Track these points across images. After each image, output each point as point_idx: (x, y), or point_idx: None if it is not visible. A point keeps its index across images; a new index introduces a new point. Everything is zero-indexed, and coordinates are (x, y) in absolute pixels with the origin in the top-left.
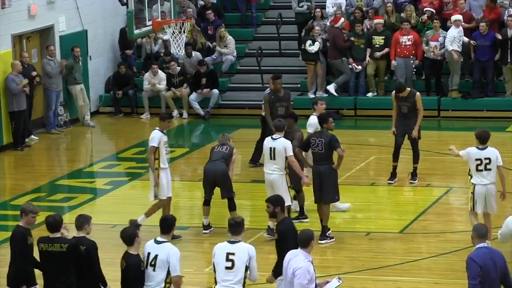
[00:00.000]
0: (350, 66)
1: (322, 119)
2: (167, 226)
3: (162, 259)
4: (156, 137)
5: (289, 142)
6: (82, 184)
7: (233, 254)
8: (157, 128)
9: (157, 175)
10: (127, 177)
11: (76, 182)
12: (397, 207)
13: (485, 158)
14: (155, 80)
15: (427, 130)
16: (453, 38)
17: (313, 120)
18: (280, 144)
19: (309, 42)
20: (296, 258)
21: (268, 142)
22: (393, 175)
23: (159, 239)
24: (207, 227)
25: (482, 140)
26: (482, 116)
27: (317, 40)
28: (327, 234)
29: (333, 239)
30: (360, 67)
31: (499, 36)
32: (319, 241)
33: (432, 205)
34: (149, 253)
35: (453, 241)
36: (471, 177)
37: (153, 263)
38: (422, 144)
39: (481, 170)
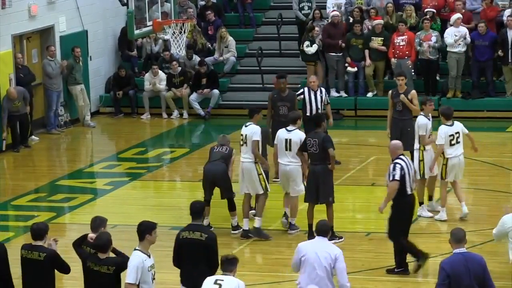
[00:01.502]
0: (346, 64)
1: (318, 120)
2: (139, 232)
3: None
4: (259, 131)
5: (303, 134)
6: (82, 185)
7: (222, 280)
8: (252, 122)
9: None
10: (128, 178)
11: (77, 183)
12: None
13: (456, 133)
14: (156, 80)
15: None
16: (450, 36)
17: (421, 120)
18: (296, 135)
19: (306, 43)
20: (325, 244)
21: (283, 133)
22: None
23: (136, 247)
24: (207, 227)
25: (448, 116)
26: (482, 117)
27: (315, 42)
28: (335, 235)
29: (342, 239)
30: (355, 68)
31: None
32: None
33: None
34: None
35: None
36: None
37: None
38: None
39: (454, 144)
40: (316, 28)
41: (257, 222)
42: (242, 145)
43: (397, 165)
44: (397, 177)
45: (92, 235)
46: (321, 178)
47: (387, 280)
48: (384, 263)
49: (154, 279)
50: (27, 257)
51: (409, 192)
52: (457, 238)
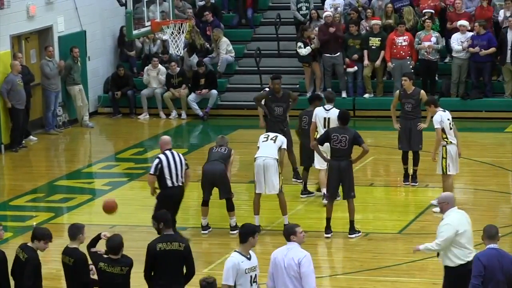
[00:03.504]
0: (344, 66)
1: (345, 118)
2: (243, 234)
3: None
4: (286, 141)
5: None
6: (80, 185)
7: None
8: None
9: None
10: (126, 178)
11: (75, 183)
12: (396, 208)
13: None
14: (154, 72)
15: (426, 130)
16: (456, 42)
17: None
18: (335, 114)
19: (299, 44)
20: (293, 250)
21: (321, 112)
22: (406, 177)
23: (236, 249)
24: (205, 227)
25: (436, 101)
26: (481, 117)
27: (308, 44)
28: (355, 229)
29: (361, 233)
30: (355, 68)
31: None
32: (349, 236)
33: (431, 206)
34: None
35: None
36: (447, 139)
37: None
38: None
39: (451, 129)
40: (316, 29)
41: (285, 220)
42: (266, 140)
43: (156, 159)
44: (151, 171)
45: (106, 233)
46: (346, 174)
47: (385, 280)
48: (383, 263)
49: (255, 282)
50: (17, 255)
51: (169, 184)
52: (490, 234)
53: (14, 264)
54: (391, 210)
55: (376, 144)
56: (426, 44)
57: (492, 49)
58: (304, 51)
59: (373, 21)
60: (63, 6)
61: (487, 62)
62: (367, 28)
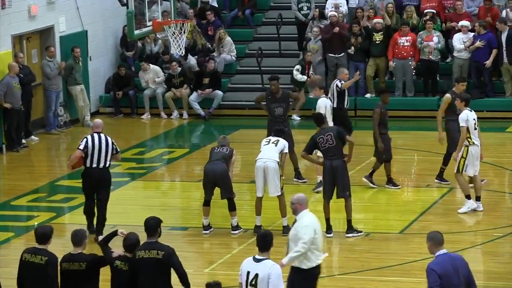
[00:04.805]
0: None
1: (320, 120)
2: (267, 242)
3: (262, 277)
4: (287, 145)
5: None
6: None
7: None
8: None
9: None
10: (127, 178)
11: (76, 183)
12: (397, 208)
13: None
14: (149, 75)
15: (427, 130)
16: (458, 41)
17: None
18: (322, 102)
19: (297, 67)
20: None
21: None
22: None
23: (258, 256)
24: (207, 227)
25: (469, 101)
26: (482, 117)
27: (306, 72)
28: (354, 228)
29: (362, 233)
30: (358, 73)
31: None
32: (346, 235)
33: (432, 206)
34: (248, 272)
35: (453, 242)
36: (470, 139)
37: (253, 282)
38: (422, 145)
39: (476, 129)
40: (315, 29)
41: (284, 222)
42: (268, 144)
43: (85, 138)
44: (81, 147)
45: (123, 230)
46: (339, 172)
47: (387, 280)
48: (384, 263)
49: None
50: (29, 260)
51: (88, 165)
52: (439, 241)
53: (25, 269)
54: (392, 210)
55: None
56: (429, 44)
57: (494, 51)
58: (300, 76)
59: (375, 20)
60: (64, 6)
61: (487, 61)
62: (368, 27)
